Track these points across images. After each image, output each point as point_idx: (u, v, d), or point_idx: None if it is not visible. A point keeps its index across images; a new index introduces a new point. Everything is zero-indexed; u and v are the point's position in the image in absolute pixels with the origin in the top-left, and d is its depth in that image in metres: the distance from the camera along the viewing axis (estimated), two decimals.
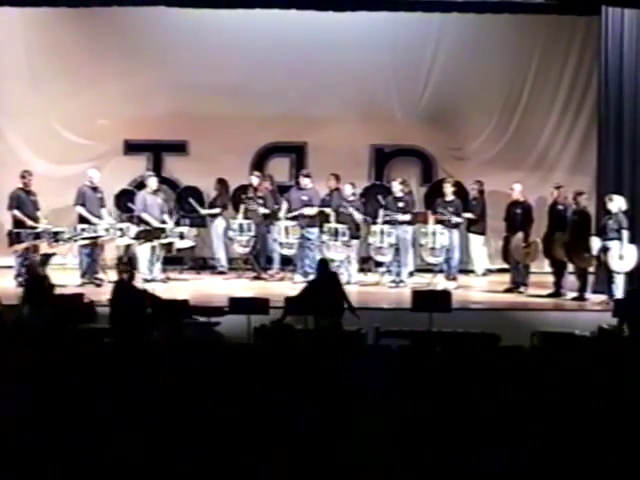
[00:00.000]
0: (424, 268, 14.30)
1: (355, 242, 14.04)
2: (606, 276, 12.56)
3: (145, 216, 13.99)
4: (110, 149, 15.59)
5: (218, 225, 14.94)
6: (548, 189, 14.02)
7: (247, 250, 14.33)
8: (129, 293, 10.04)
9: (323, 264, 11.28)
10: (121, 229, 13.81)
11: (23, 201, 13.44)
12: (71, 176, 14.68)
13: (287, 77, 15.29)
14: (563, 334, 10.11)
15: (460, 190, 14.65)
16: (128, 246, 14.33)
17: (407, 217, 14.01)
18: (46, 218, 13.61)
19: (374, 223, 14.02)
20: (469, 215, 14.49)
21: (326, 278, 10.98)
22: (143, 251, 13.81)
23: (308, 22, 14.58)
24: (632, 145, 13.27)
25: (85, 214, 13.63)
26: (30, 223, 13.30)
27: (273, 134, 15.68)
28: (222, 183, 15.11)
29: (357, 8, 13.68)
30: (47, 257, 13.17)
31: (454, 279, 13.89)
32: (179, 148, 15.77)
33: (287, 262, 14.55)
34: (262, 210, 14.38)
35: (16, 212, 13.39)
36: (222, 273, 14.76)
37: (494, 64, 15.40)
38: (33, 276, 10.99)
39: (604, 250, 12.43)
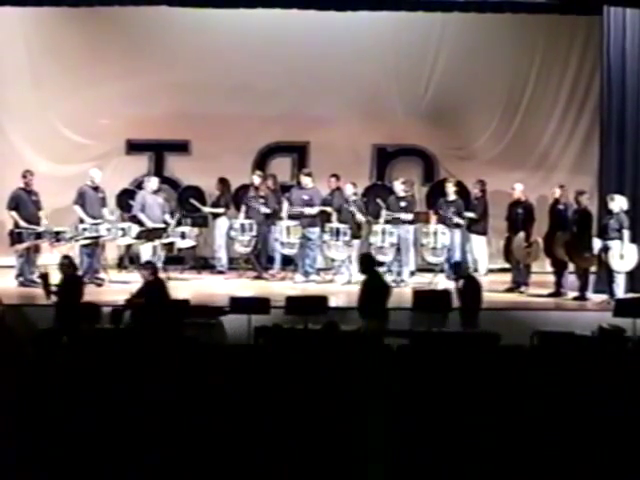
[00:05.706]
0: (425, 268, 14.30)
1: (356, 242, 14.04)
2: (607, 276, 12.57)
3: (141, 216, 13.99)
4: (112, 149, 15.57)
5: (221, 225, 14.92)
6: (550, 189, 14.02)
7: (248, 250, 14.33)
8: (153, 294, 10.10)
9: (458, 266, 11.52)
10: (123, 229, 13.82)
11: (23, 201, 13.41)
12: (73, 176, 14.66)
13: (289, 76, 15.26)
14: (563, 334, 10.12)
15: (462, 190, 14.65)
16: (129, 246, 14.37)
17: (409, 216, 14.03)
18: (47, 217, 13.63)
19: (376, 223, 14.04)
20: (471, 215, 14.48)
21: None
22: (145, 251, 13.83)
23: (309, 21, 14.56)
24: (634, 145, 13.27)
25: (80, 213, 13.59)
26: (22, 224, 13.19)
27: (275, 134, 15.66)
28: (224, 183, 15.08)
29: (358, 7, 13.68)
30: None
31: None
32: (181, 148, 15.75)
33: (288, 262, 14.55)
34: (264, 209, 14.38)
35: (12, 213, 13.36)
36: (221, 273, 14.75)
37: (496, 63, 15.38)
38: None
39: (605, 250, 12.44)
